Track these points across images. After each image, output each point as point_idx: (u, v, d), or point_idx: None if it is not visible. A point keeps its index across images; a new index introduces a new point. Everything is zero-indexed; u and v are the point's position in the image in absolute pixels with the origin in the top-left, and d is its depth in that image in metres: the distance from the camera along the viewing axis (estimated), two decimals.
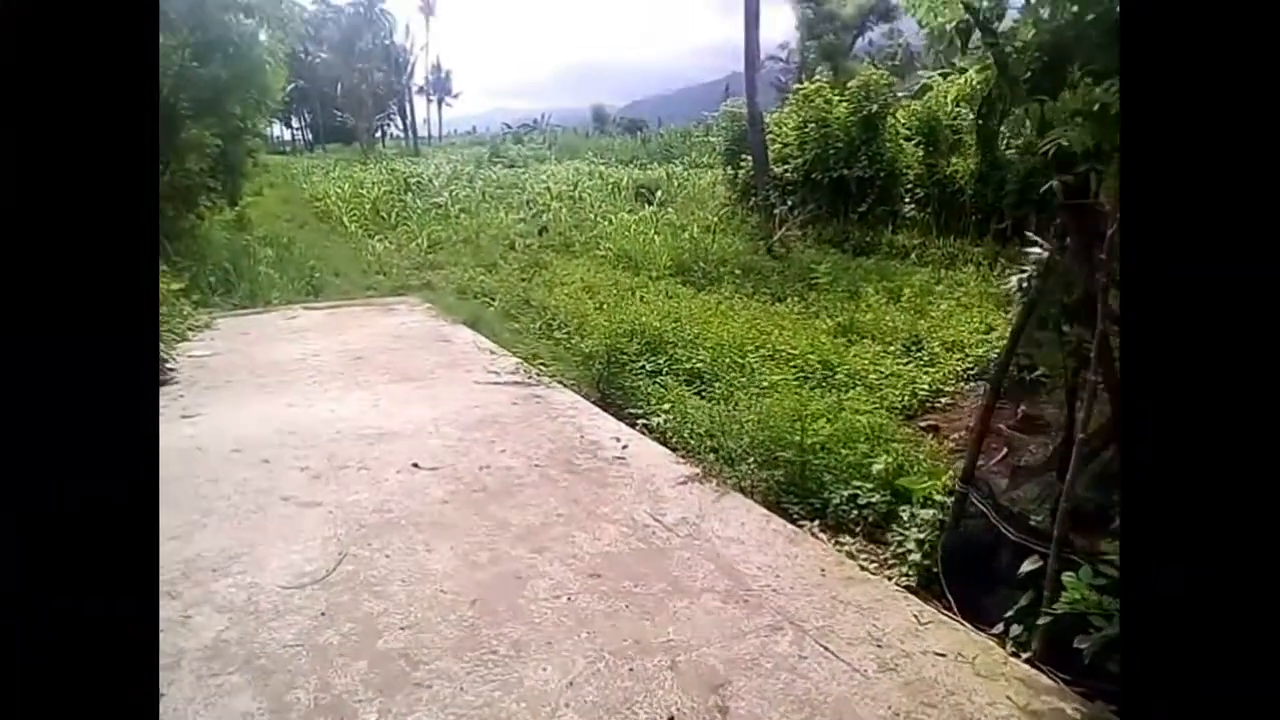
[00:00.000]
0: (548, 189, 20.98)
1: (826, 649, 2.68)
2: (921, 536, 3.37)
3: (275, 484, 4.06)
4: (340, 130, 55.93)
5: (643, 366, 6.39)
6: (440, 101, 76.02)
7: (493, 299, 9.77)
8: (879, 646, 2.70)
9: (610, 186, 22.32)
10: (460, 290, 10.37)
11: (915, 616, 2.89)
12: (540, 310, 8.89)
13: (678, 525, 3.59)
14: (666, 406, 5.38)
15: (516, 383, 5.89)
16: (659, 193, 20.17)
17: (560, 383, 5.99)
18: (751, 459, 4.33)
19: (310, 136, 59.16)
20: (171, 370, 6.14)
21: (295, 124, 57.91)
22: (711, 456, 4.59)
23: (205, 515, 3.70)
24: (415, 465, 4.28)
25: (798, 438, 4.41)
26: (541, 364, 6.52)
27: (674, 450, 4.65)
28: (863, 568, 3.29)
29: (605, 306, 8.79)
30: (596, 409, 5.38)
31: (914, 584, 3.22)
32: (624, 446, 4.58)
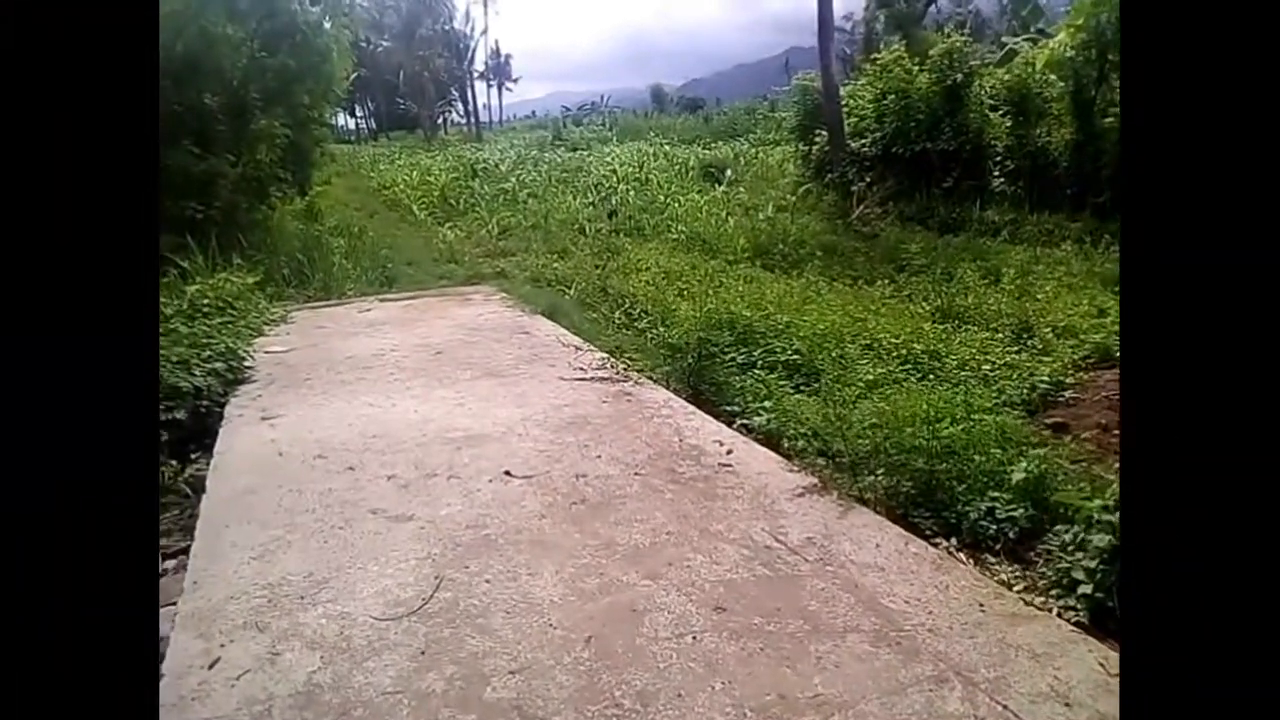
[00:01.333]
0: (613, 171, 20.61)
1: (1006, 708, 2.28)
2: (1092, 565, 2.92)
3: (362, 495, 3.82)
4: (403, 118, 56.55)
5: (733, 359, 6.01)
6: (500, 86, 76.37)
7: (568, 287, 9.48)
8: (1068, 706, 2.29)
9: (676, 167, 21.85)
10: (534, 278, 10.11)
11: (1101, 665, 2.46)
12: (618, 298, 8.56)
13: (804, 547, 3.21)
14: (767, 404, 5.00)
15: (604, 378, 5.56)
16: (728, 172, 19.58)
17: (649, 378, 5.64)
18: (873, 466, 3.93)
19: (374, 125, 60.02)
20: (249, 368, 5.99)
21: (359, 113, 58.72)
22: (821, 461, 4.20)
23: (289, 531, 3.47)
24: (507, 473, 3.99)
25: (922, 441, 3.99)
26: (626, 357, 6.18)
27: (783, 455, 4.27)
28: (1026, 602, 2.87)
29: (687, 293, 8.42)
30: (691, 407, 5.02)
31: (1085, 621, 2.79)
32: (728, 451, 4.22)
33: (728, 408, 5.23)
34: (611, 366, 5.81)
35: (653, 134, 35.74)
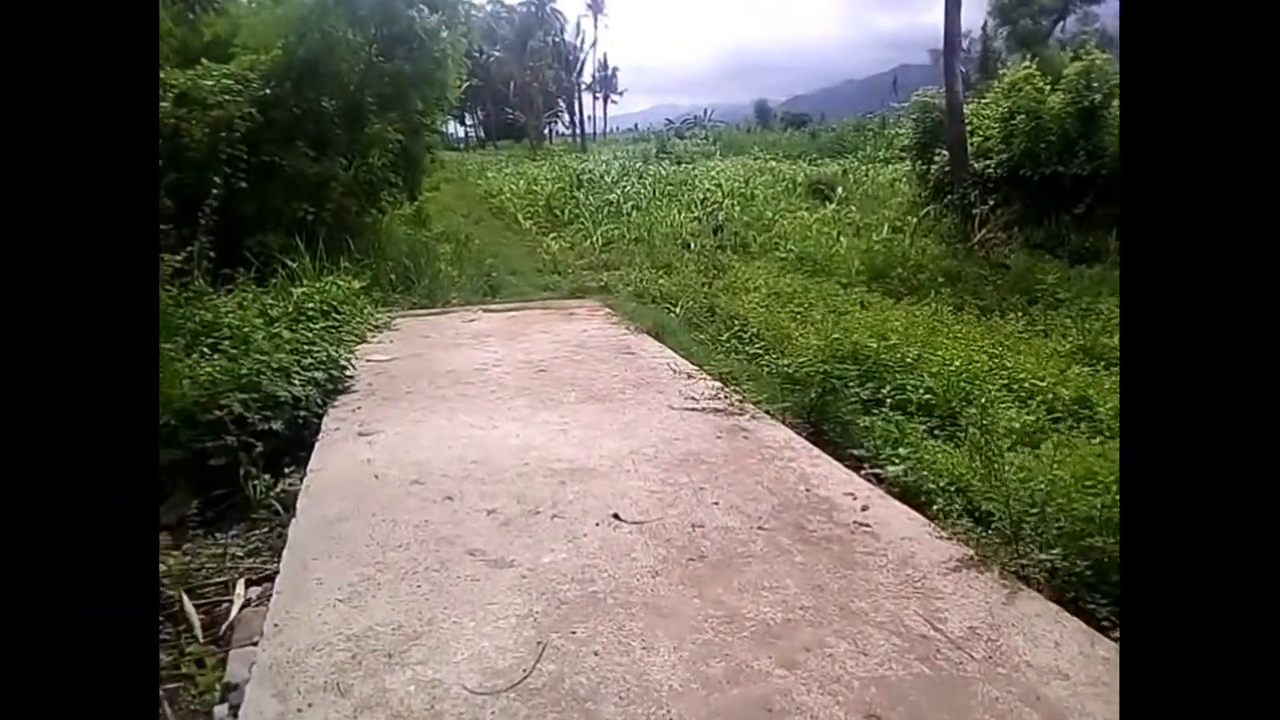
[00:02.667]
0: (718, 186, 20.19)
1: None
2: None
3: (460, 531, 3.49)
4: (510, 127, 57.67)
5: (858, 395, 5.50)
6: (606, 99, 77.13)
7: (674, 304, 9.10)
8: None
9: (783, 183, 21.32)
10: (638, 293, 9.77)
11: None
12: (727, 319, 8.13)
13: (968, 640, 2.70)
14: (901, 451, 4.48)
15: (717, 410, 5.13)
16: (839, 190, 18.90)
17: (766, 412, 5.18)
18: (1036, 537, 3.38)
19: (482, 133, 61.44)
20: (350, 378, 5.81)
21: (469, 121, 60.18)
22: (971, 524, 3.66)
23: (380, 570, 3.16)
24: (616, 517, 3.60)
25: (1092, 509, 3.41)
26: (740, 387, 5.73)
27: (925, 514, 3.75)
28: None
29: (801, 318, 7.92)
30: (815, 450, 4.53)
31: None
32: (863, 508, 3.72)
33: (854, 451, 4.72)
34: (725, 397, 5.37)
35: (757, 149, 35.23)
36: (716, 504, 3.75)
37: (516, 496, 3.84)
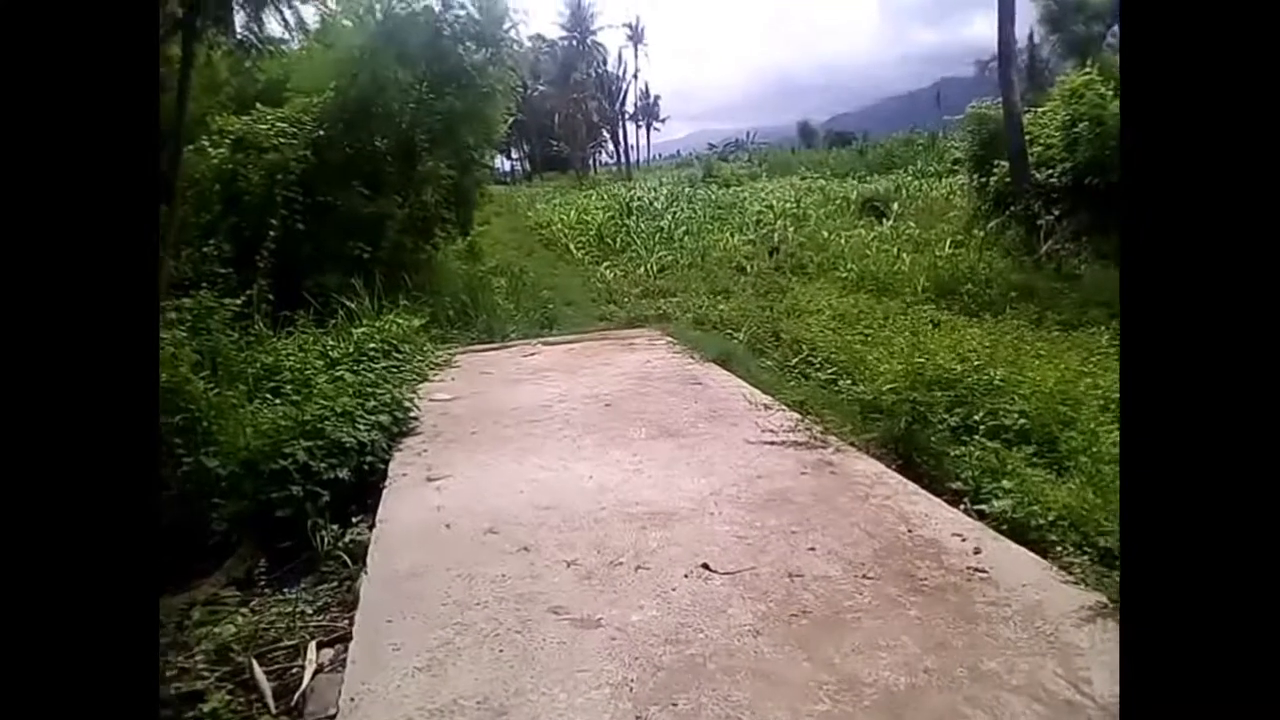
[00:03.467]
0: (769, 207, 19.94)
1: None
2: None
3: (539, 586, 3.27)
4: (555, 158, 58.30)
5: (946, 422, 5.16)
6: (649, 126, 77.63)
7: (736, 330, 8.84)
8: None
9: (834, 201, 20.98)
10: (698, 320, 9.53)
11: None
12: (793, 344, 7.84)
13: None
14: (1005, 483, 4.14)
15: (797, 443, 4.85)
16: (894, 205, 18.48)
17: (851, 444, 4.88)
18: None
19: (528, 166, 62.18)
20: (414, 419, 5.66)
21: (514, 154, 60.94)
22: (1093, 564, 3.32)
23: (460, 633, 2.94)
24: (706, 567, 3.34)
25: None
26: (817, 416, 5.44)
27: (1042, 554, 3.42)
28: None
29: (872, 340, 7.58)
30: (910, 485, 4.22)
31: None
32: (975, 550, 3.41)
33: (952, 485, 4.40)
34: (804, 428, 5.08)
35: (803, 168, 34.99)
36: (812, 550, 3.47)
37: (596, 545, 3.60)
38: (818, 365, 7.05)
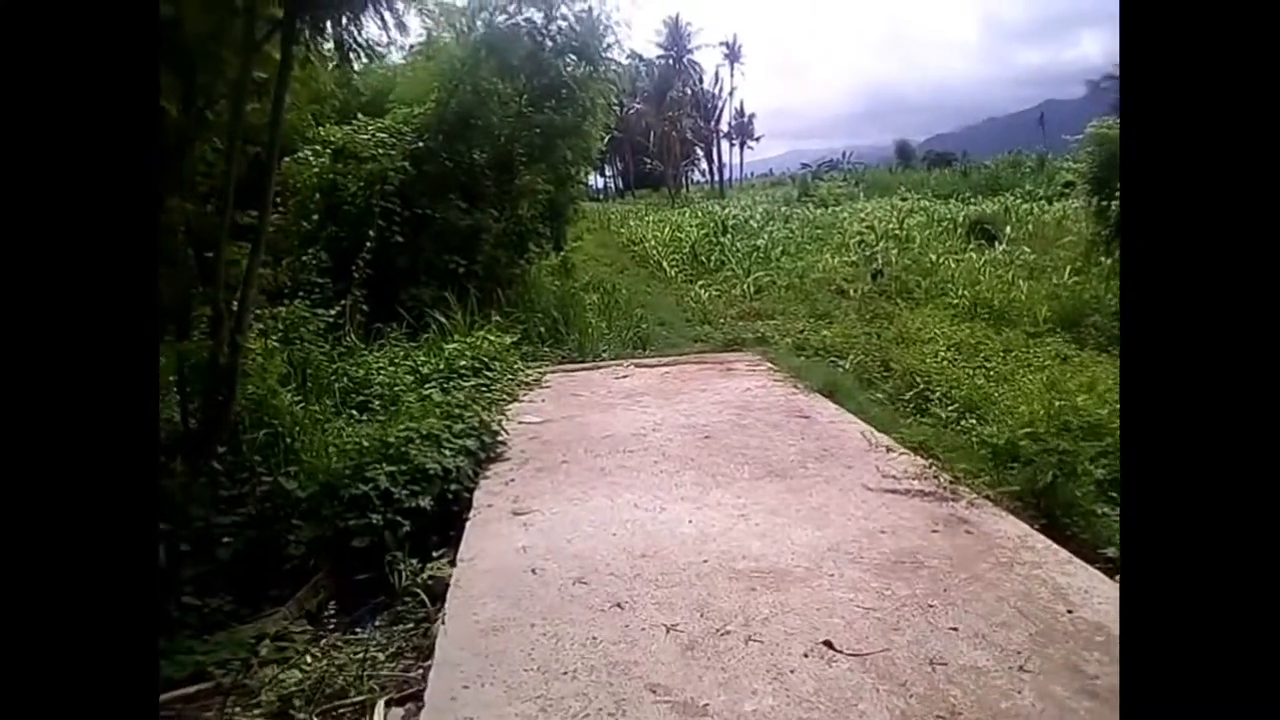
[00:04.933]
0: (870, 227, 19.10)
1: None
2: None
3: (635, 654, 2.85)
4: (647, 176, 58.42)
5: (1090, 473, 4.54)
6: (743, 144, 77.21)
7: (840, 358, 8.29)
8: None
9: (940, 224, 20.05)
10: (798, 346, 9.02)
11: None
12: (905, 376, 7.25)
13: None
14: None
15: (923, 493, 4.30)
16: (1006, 229, 17.49)
17: (986, 496, 4.31)
18: None
19: (620, 183, 62.53)
20: (502, 443, 5.35)
21: (608, 171, 61.35)
22: None
23: (544, 710, 2.55)
24: (829, 645, 2.86)
25: None
26: (936, 459, 4.87)
27: None
28: None
29: (995, 375, 6.94)
30: (1060, 550, 3.63)
31: None
32: None
33: (1106, 552, 3.79)
34: (931, 476, 4.53)
35: (903, 189, 33.86)
36: (955, 630, 2.95)
37: (698, 607, 3.17)
38: (936, 400, 6.45)
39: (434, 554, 4.04)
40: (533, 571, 3.55)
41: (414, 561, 3.94)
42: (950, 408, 6.17)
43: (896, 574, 3.40)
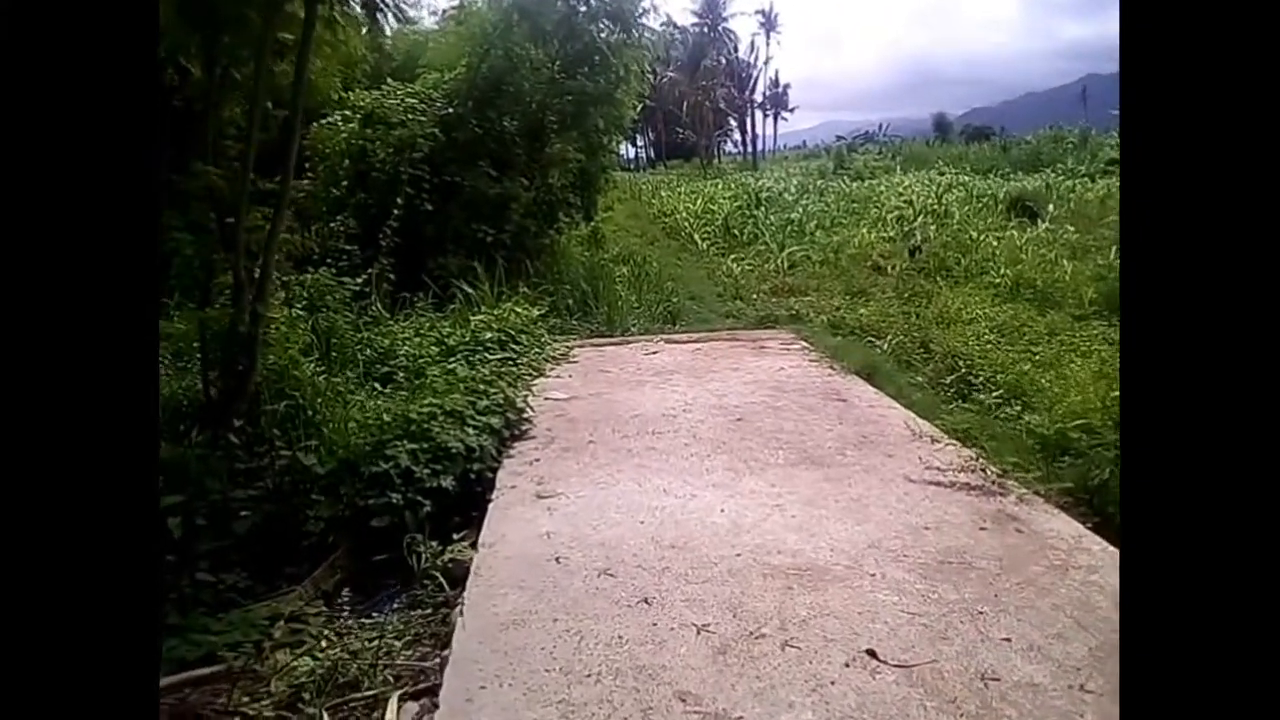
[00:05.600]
0: (907, 202, 18.66)
1: None
2: None
3: (663, 657, 2.67)
4: (680, 146, 57.67)
5: None
6: (776, 116, 76.00)
7: (878, 338, 8.02)
8: None
9: (979, 200, 19.47)
10: (834, 324, 8.75)
11: None
12: (947, 359, 6.97)
13: None
14: None
15: (970, 486, 4.08)
16: (1050, 207, 16.95)
17: (1036, 492, 4.07)
18: None
19: (652, 153, 61.85)
20: (527, 420, 5.19)
21: (640, 141, 60.66)
22: None
23: (565, 715, 2.38)
24: (871, 654, 2.67)
25: None
26: (988, 452, 4.62)
27: None
28: None
29: (1041, 360, 6.65)
30: (1116, 553, 3.40)
31: None
32: None
33: None
34: (978, 468, 4.30)
35: (940, 163, 33.06)
36: (1007, 640, 2.74)
37: (731, 606, 2.98)
38: (978, 386, 6.18)
39: (455, 536, 3.91)
40: (556, 560, 3.39)
41: (434, 544, 3.81)
42: (994, 394, 5.90)
43: (943, 575, 3.19)
